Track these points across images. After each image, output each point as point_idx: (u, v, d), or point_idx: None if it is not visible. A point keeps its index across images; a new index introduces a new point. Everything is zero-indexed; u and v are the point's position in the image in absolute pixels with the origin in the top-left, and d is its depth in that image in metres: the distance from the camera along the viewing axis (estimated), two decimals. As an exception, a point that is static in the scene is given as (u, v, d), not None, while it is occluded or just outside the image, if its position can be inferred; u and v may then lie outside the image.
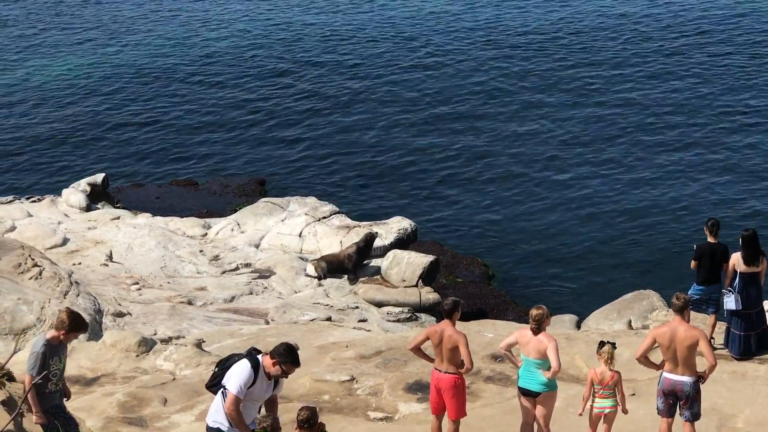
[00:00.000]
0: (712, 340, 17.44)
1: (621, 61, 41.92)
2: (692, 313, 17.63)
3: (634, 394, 15.68)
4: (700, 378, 13.32)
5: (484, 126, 36.46)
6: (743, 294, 17.00)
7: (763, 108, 36.83)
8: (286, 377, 11.65)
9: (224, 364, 11.77)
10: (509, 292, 26.54)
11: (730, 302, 17.05)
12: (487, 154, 34.45)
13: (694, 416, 13.42)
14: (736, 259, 17.02)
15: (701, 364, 13.23)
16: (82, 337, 19.96)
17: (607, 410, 13.48)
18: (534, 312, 13.34)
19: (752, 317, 17.14)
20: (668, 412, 13.48)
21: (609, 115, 36.97)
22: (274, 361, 11.45)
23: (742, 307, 17.04)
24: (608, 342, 13.55)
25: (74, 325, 12.33)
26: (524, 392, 13.52)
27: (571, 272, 27.84)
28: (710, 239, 17.26)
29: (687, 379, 13.20)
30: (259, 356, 11.56)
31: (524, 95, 38.92)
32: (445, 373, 13.40)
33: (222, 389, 11.52)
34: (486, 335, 18.55)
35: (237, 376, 11.41)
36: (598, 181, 32.39)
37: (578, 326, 21.88)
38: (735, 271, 17.04)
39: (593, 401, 13.61)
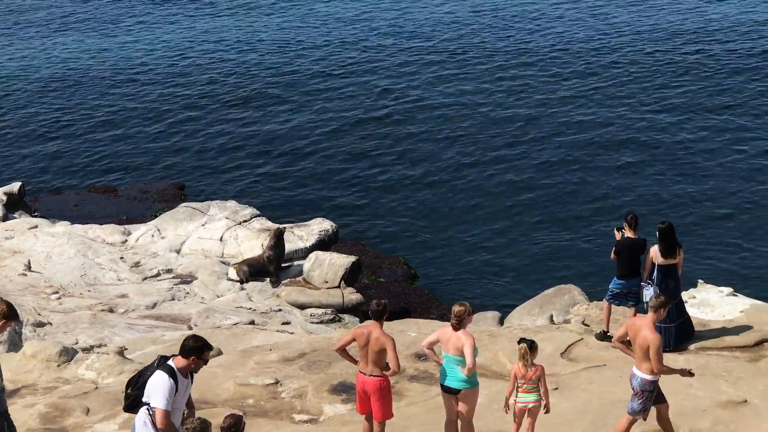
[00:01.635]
0: (631, 333, 17.70)
1: (533, 61, 42.33)
2: (613, 307, 17.97)
3: (557, 389, 15.82)
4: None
5: (401, 128, 36.56)
6: (662, 286, 17.26)
7: (683, 104, 37.39)
8: (206, 364, 11.53)
9: (136, 384, 11.51)
10: (432, 291, 26.63)
11: (649, 295, 17.28)
12: (406, 155, 34.55)
13: (633, 411, 13.59)
14: (654, 252, 17.27)
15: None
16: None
17: (530, 405, 13.57)
18: (456, 308, 13.38)
19: (671, 309, 17.39)
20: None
21: (523, 112, 37.29)
22: (190, 358, 11.31)
23: (658, 299, 17.29)
24: (524, 340, 13.61)
25: (11, 311, 12.08)
26: (445, 389, 13.55)
27: (495, 269, 28.00)
28: (629, 233, 17.49)
29: (637, 373, 13.42)
30: (170, 362, 11.44)
31: (437, 97, 39.10)
32: (370, 375, 13.39)
33: (146, 408, 11.30)
34: (409, 334, 18.60)
35: (159, 390, 11.17)
36: (516, 178, 32.63)
37: (501, 322, 22.02)
38: (653, 264, 17.29)
39: (516, 396, 13.70)
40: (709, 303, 20.03)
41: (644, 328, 13.31)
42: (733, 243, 28.51)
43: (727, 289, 20.90)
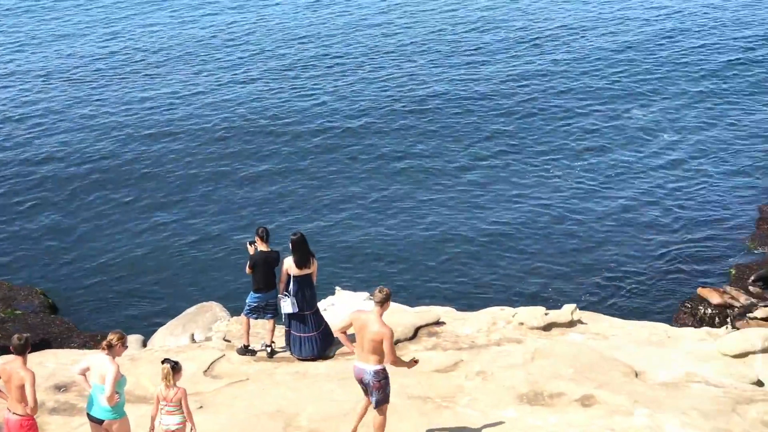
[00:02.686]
0: (273, 344, 18.01)
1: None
2: (252, 321, 18.18)
3: (201, 407, 15.84)
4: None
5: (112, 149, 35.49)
6: (299, 296, 17.65)
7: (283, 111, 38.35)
8: None
9: None
10: (73, 319, 25.92)
11: (286, 306, 17.63)
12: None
13: (377, 403, 14.07)
14: (288, 264, 17.62)
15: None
16: None
17: (173, 427, 13.51)
18: (111, 336, 13.20)
19: (309, 319, 17.80)
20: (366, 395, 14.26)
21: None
22: None
23: (298, 309, 17.68)
24: (167, 361, 13.56)
25: None
26: (90, 418, 13.30)
27: (139, 291, 27.57)
28: (262, 247, 17.75)
29: (369, 367, 13.80)
30: None
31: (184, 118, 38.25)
32: (14, 414, 12.93)
33: None
34: (48, 366, 18.05)
35: None
36: (142, 194, 32.36)
37: (144, 345, 21.78)
38: (289, 275, 17.64)
39: (161, 418, 13.61)
40: (348, 308, 20.63)
41: (373, 323, 13.65)
42: (370, 249, 29.49)
43: (364, 294, 21.63)
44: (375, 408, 14.17)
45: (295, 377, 17.20)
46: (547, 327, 18.86)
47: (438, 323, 19.13)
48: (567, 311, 19.18)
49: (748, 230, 31.01)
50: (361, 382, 14.13)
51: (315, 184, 33.12)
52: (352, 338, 14.43)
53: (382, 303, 13.79)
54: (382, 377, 13.94)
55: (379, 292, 13.87)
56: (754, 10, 50.70)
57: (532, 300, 25.54)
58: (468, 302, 24.78)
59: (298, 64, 43.88)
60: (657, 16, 50.16)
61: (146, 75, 42.79)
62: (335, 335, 14.45)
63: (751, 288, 27.54)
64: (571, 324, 19.01)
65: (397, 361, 13.96)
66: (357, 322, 13.90)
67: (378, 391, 13.97)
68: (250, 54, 45.29)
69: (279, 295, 17.73)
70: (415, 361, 14.37)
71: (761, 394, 16.54)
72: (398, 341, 18.11)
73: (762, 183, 33.74)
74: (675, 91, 41.04)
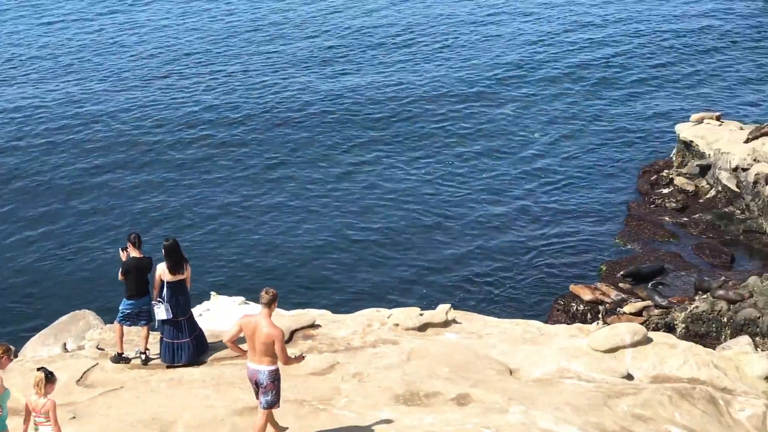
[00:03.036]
0: (147, 351, 17.80)
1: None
2: (126, 328, 17.94)
3: (74, 417, 15.59)
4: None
5: None
6: (173, 302, 17.45)
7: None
8: None
9: None
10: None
11: (160, 312, 17.42)
12: None
13: (269, 404, 14.05)
14: (161, 270, 17.42)
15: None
16: None
17: (44, 438, 13.27)
18: None
19: (183, 325, 17.63)
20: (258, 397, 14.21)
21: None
22: None
23: (172, 315, 17.49)
24: (43, 369, 13.32)
25: None
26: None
27: (8, 301, 27.05)
28: (134, 253, 17.52)
29: (263, 368, 13.79)
30: None
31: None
32: None
33: None
34: None
35: None
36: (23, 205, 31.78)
37: (15, 355, 21.29)
38: (162, 281, 17.44)
39: (36, 430, 13.36)
40: (223, 313, 20.53)
41: (263, 325, 13.63)
42: (245, 254, 29.39)
43: (240, 298, 21.53)
44: (263, 409, 14.17)
45: (171, 384, 17.02)
46: (422, 327, 19.00)
47: (313, 326, 19.13)
48: (441, 311, 19.35)
49: (617, 227, 31.71)
50: (254, 383, 14.12)
51: (191, 192, 32.87)
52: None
53: (269, 304, 13.79)
54: (276, 378, 14.00)
55: (266, 293, 13.84)
56: (619, 8, 51.89)
57: (407, 301, 25.72)
58: (343, 305, 24.86)
59: (172, 75, 43.51)
60: (527, 20, 50.98)
61: None
62: (227, 345, 14.36)
63: (621, 284, 28.17)
64: (446, 324, 19.18)
65: (289, 360, 13.99)
66: (247, 326, 13.84)
67: (271, 391, 14.03)
68: (120, 64, 44.65)
69: (153, 302, 17.52)
70: (302, 357, 14.46)
71: (631, 387, 16.93)
72: (274, 345, 18.09)
73: (629, 181, 34.55)
74: (546, 93, 41.76)
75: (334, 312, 20.61)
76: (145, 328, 17.82)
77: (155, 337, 18.17)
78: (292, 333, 18.85)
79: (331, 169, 34.73)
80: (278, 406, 14.30)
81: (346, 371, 17.21)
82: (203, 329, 18.33)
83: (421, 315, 19.28)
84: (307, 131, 37.46)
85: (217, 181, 33.62)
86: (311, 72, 43.35)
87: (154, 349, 17.98)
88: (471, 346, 18.26)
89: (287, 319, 19.41)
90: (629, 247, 30.47)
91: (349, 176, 34.26)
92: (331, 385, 16.71)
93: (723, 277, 28.04)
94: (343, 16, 51.04)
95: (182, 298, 17.59)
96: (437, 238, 30.68)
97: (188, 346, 17.75)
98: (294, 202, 32.46)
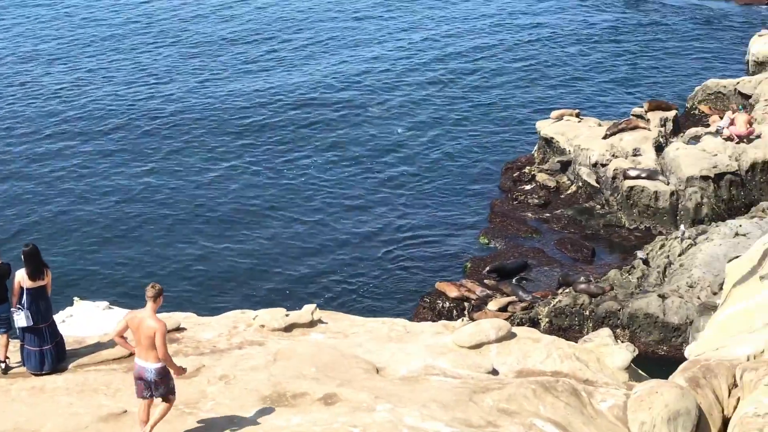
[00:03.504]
0: (7, 360, 17.37)
1: None
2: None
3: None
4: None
5: None
6: (33, 309, 17.06)
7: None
8: None
9: None
10: None
11: (20, 320, 17.01)
12: None
13: (164, 395, 14.32)
14: (21, 276, 17.02)
15: None
16: None
17: None
18: None
19: (44, 332, 17.25)
20: (141, 394, 14.35)
21: None
22: None
23: (33, 322, 17.10)
24: None
25: None
26: None
27: None
28: (-8, 260, 17.10)
29: (150, 365, 13.99)
30: None
31: None
32: None
33: None
34: None
35: None
36: None
37: None
38: (22, 288, 17.04)
39: None
40: (86, 319, 20.18)
41: (147, 318, 13.82)
42: (107, 259, 28.98)
43: (104, 303, 21.18)
44: (162, 400, 14.40)
45: (32, 392, 16.65)
46: (289, 328, 18.96)
47: (179, 329, 18.93)
48: (307, 312, 19.33)
49: (481, 225, 32.14)
50: (141, 379, 14.24)
51: (58, 203, 32.25)
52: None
53: (155, 298, 13.99)
54: (164, 374, 14.15)
55: (152, 288, 14.00)
56: (483, 13, 52.56)
57: (272, 302, 25.65)
58: (208, 307, 24.71)
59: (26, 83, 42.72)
60: (393, 26, 51.32)
61: None
62: (114, 340, 14.59)
63: (486, 280, 28.55)
64: (312, 324, 19.18)
65: (168, 359, 14.05)
66: (132, 321, 14.02)
67: (162, 386, 14.24)
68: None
69: (12, 309, 17.10)
70: (183, 369, 14.52)
71: (496, 382, 17.16)
72: (139, 350, 17.87)
73: (493, 179, 35.04)
74: (411, 96, 42.10)
75: (199, 315, 20.44)
76: (5, 336, 17.38)
77: (15, 345, 17.75)
78: (158, 337, 18.61)
79: (194, 177, 34.47)
80: (174, 397, 14.46)
81: (212, 374, 17.07)
82: (66, 335, 17.98)
83: (287, 316, 19.24)
84: (171, 139, 37.14)
85: (84, 193, 33.06)
86: (175, 81, 42.94)
87: (15, 357, 17.56)
88: (337, 345, 18.29)
89: (152, 323, 19.17)
90: (493, 244, 30.91)
91: (212, 184, 34.04)
92: (197, 388, 16.56)
93: (585, 272, 28.69)
94: (208, 21, 50.66)
95: (43, 305, 17.19)
96: (303, 239, 30.69)
97: (49, 353, 17.38)
98: (163, 210, 32.15)
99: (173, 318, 19.40)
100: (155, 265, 28.89)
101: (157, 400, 14.46)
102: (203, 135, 37.57)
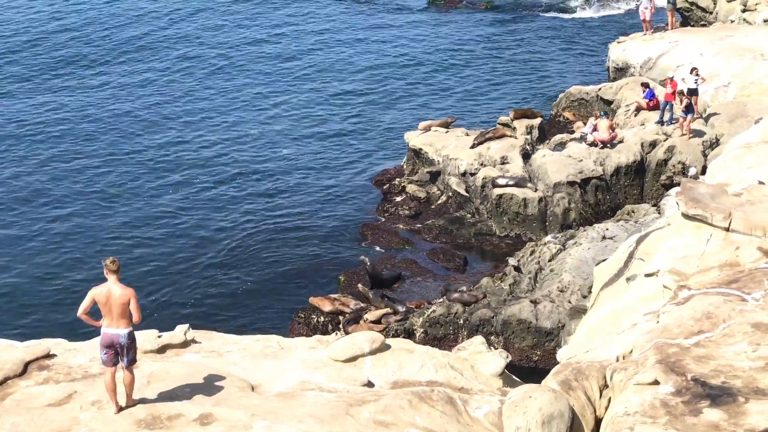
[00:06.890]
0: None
1: None
2: None
3: None
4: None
5: None
6: None
7: None
8: None
9: None
10: None
11: None
12: None
13: (131, 361, 15.44)
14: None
15: None
16: None
17: None
18: None
19: None
20: (112, 361, 15.36)
21: None
22: None
23: None
24: None
25: None
26: None
27: None
28: None
29: (122, 331, 15.08)
30: None
31: None
32: None
33: None
34: None
35: None
36: None
37: None
38: None
39: None
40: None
41: (116, 288, 14.93)
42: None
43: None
44: (126, 367, 15.39)
45: None
46: (161, 349, 18.69)
47: (49, 356, 18.50)
48: (180, 332, 19.08)
49: (353, 237, 32.21)
50: (112, 346, 15.22)
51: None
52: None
53: (117, 271, 15.00)
54: (133, 338, 15.36)
55: (112, 263, 15.02)
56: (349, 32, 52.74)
57: (144, 324, 25.25)
58: (79, 332, 24.21)
59: None
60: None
61: None
62: (80, 318, 15.31)
63: (360, 286, 28.52)
64: (186, 344, 18.94)
65: (140, 321, 15.33)
66: (99, 295, 14.98)
67: (132, 350, 15.34)
68: None
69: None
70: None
71: (372, 394, 17.17)
72: (7, 378, 17.38)
73: (363, 191, 35.16)
74: (279, 110, 42.04)
75: (69, 340, 20.01)
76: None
77: None
78: (27, 364, 18.15)
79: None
80: (137, 362, 15.65)
81: (84, 400, 16.72)
82: None
83: (159, 337, 18.96)
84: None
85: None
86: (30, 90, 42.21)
87: None
88: (212, 364, 18.10)
89: (20, 350, 18.69)
90: (365, 258, 30.97)
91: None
92: (69, 415, 16.20)
93: (458, 281, 28.97)
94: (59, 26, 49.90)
95: None
96: (175, 259, 30.34)
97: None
98: (36, 226, 31.60)
99: (43, 344, 18.98)
100: (25, 288, 28.24)
101: (119, 374, 15.43)
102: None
